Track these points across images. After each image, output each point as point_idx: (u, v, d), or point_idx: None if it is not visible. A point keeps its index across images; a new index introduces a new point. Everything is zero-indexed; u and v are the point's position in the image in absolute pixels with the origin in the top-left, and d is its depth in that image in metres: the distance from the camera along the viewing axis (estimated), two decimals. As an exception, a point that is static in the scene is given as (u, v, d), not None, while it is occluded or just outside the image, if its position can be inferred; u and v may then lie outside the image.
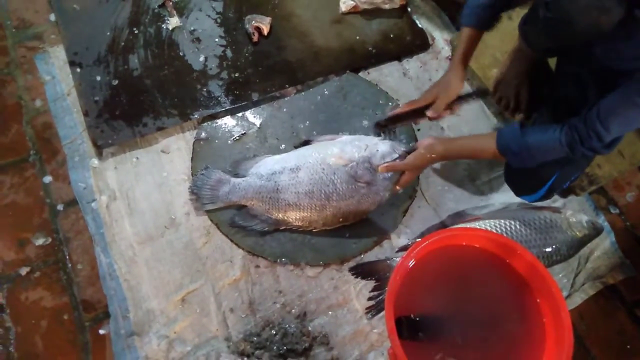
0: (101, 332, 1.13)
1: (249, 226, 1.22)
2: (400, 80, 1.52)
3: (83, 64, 1.40)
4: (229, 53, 1.47)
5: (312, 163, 1.21)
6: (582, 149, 0.95)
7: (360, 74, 1.51)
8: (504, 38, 1.48)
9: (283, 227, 1.22)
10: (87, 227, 1.22)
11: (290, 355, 1.13)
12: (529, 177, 1.15)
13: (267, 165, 1.25)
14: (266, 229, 1.22)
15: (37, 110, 1.36)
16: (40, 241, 1.20)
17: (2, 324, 1.12)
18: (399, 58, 1.56)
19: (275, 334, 1.15)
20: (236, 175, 1.26)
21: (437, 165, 1.39)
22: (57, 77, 1.40)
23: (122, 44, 1.44)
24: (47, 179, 1.28)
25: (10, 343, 1.10)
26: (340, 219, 1.22)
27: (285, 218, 1.21)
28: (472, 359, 0.96)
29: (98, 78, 1.38)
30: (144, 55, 1.43)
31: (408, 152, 1.18)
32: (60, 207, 1.25)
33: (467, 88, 1.52)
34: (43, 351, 1.10)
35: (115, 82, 1.38)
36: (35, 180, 1.28)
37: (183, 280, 1.19)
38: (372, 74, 1.52)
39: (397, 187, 1.21)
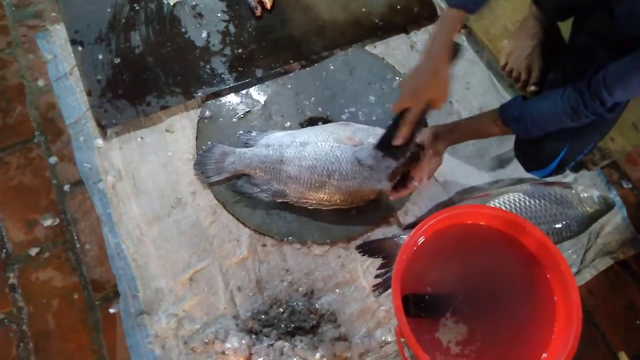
0: (111, 311, 1.14)
1: (247, 193, 1.23)
2: (408, 54, 1.48)
3: (84, 43, 1.38)
4: (231, 28, 1.44)
5: (322, 140, 1.20)
6: (585, 112, 0.93)
7: (367, 47, 1.47)
8: (515, 7, 1.43)
9: (280, 200, 1.22)
10: (94, 208, 1.23)
11: (298, 333, 1.14)
12: (538, 151, 1.12)
13: (277, 137, 1.25)
14: (265, 198, 1.22)
15: (40, 90, 1.35)
16: (48, 222, 1.21)
17: (15, 303, 1.14)
18: (406, 30, 1.51)
19: (283, 312, 1.15)
20: (245, 145, 1.26)
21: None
22: (58, 56, 1.38)
23: (123, 20, 1.42)
24: (53, 159, 1.28)
25: (24, 322, 1.13)
26: (338, 200, 1.20)
27: (284, 190, 1.20)
28: (481, 335, 0.96)
29: (100, 56, 1.36)
30: (146, 32, 1.41)
31: (418, 146, 1.16)
32: (66, 187, 1.25)
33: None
34: (55, 330, 1.12)
35: (117, 61, 1.36)
36: (41, 161, 1.28)
37: (190, 260, 1.20)
38: (379, 48, 1.48)
39: (423, 182, 1.16)
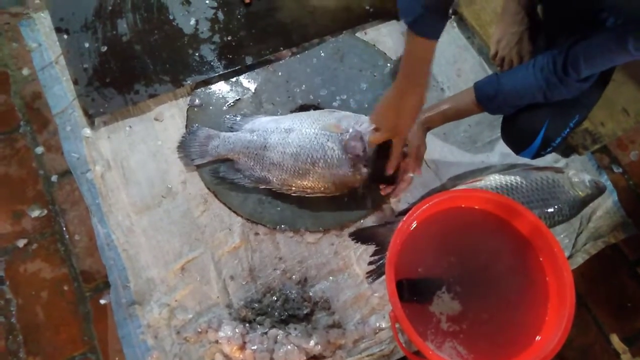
0: (102, 302, 1.13)
1: (230, 179, 1.21)
2: (399, 41, 1.47)
3: (70, 30, 1.35)
4: (220, 15, 1.41)
5: (306, 127, 1.19)
6: (559, 85, 0.96)
7: (357, 34, 1.46)
8: (506, -8, 1.42)
9: (263, 186, 1.21)
10: (83, 198, 1.21)
11: (292, 321, 1.13)
12: (520, 129, 1.12)
13: (262, 122, 1.23)
14: (247, 184, 1.20)
15: (25, 79, 1.32)
16: (36, 213, 1.19)
17: (3, 295, 1.12)
18: (397, 17, 1.50)
19: (277, 300, 1.15)
20: (230, 130, 1.24)
21: (437, 128, 1.36)
22: (43, 44, 1.35)
23: (110, 8, 1.39)
24: (39, 149, 1.25)
25: (12, 314, 1.11)
26: (322, 188, 1.19)
27: (267, 177, 1.19)
28: (476, 320, 0.96)
29: (86, 45, 1.33)
30: (133, 19, 1.38)
31: None
32: (54, 178, 1.23)
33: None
34: (45, 322, 1.10)
35: (104, 49, 1.33)
36: (27, 151, 1.25)
37: (182, 249, 1.18)
38: (370, 34, 1.47)
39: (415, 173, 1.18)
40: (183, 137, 1.25)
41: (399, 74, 0.98)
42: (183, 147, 1.24)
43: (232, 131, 1.24)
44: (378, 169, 1.16)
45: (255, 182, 1.20)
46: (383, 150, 1.13)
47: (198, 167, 1.25)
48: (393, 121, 1.05)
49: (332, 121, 1.19)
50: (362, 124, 1.19)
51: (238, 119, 1.26)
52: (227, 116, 1.28)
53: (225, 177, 1.22)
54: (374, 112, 1.11)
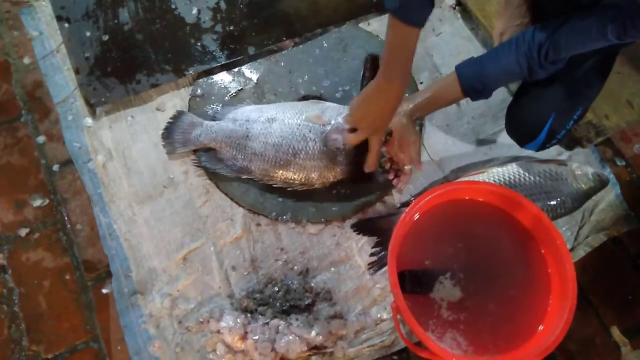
0: (104, 291, 1.13)
1: (212, 169, 1.21)
2: (402, 31, 1.46)
3: (71, 19, 1.34)
4: (222, 5, 1.40)
5: (289, 117, 1.18)
6: (539, 71, 0.98)
7: (361, 24, 1.45)
8: (510, -17, 1.41)
9: (245, 176, 1.20)
10: (85, 188, 1.21)
11: (293, 311, 1.13)
12: (526, 123, 1.12)
13: (245, 111, 1.22)
14: (229, 174, 1.20)
15: (27, 68, 1.32)
16: (37, 202, 1.19)
17: (5, 284, 1.12)
18: (400, 7, 1.49)
19: (278, 291, 1.15)
20: (213, 119, 1.24)
21: (440, 120, 1.36)
22: (44, 33, 1.35)
23: (111, -4, 1.38)
24: (41, 139, 1.25)
25: (15, 303, 1.11)
26: (302, 179, 1.18)
27: (249, 167, 1.19)
28: (477, 310, 0.96)
29: (87, 33, 1.33)
30: (134, 8, 1.37)
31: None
32: (56, 167, 1.23)
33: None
34: (47, 310, 1.11)
35: (106, 38, 1.33)
36: (28, 140, 1.25)
37: (184, 239, 1.18)
38: (373, 25, 1.45)
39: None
40: (168, 123, 1.24)
41: (379, 70, 0.97)
42: (167, 134, 1.23)
43: (214, 120, 1.23)
44: (358, 166, 1.16)
45: (237, 172, 1.19)
46: (362, 147, 1.12)
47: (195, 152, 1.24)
48: (372, 120, 1.04)
49: (316, 112, 1.18)
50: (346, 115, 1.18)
51: (220, 107, 1.25)
52: (208, 106, 1.27)
53: (206, 166, 1.21)
54: (349, 112, 1.09)
